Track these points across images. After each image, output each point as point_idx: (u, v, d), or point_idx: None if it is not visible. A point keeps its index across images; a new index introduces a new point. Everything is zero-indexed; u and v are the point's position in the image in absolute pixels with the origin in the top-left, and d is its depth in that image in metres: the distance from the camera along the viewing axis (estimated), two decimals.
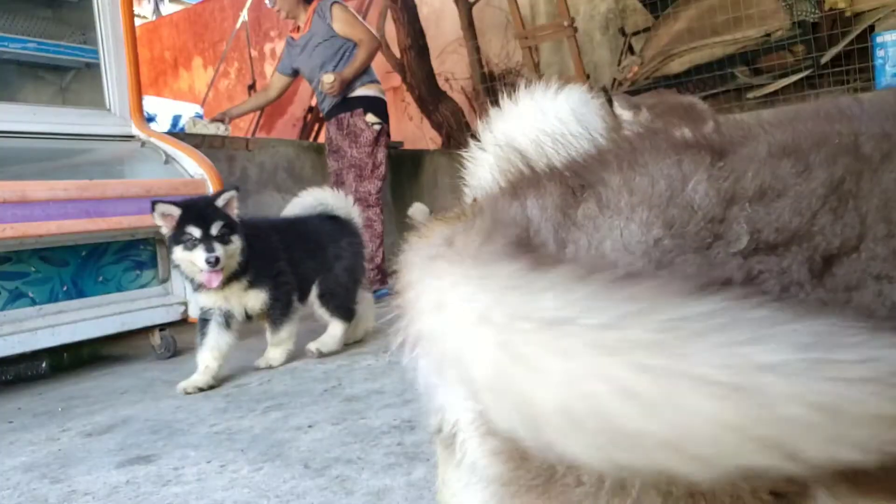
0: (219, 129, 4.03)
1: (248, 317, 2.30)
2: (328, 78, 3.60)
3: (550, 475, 0.48)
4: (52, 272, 2.48)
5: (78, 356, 2.72)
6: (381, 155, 3.86)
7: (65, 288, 2.51)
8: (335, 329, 2.47)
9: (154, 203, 2.11)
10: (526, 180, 0.55)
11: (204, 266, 2.06)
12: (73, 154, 2.90)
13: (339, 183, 3.96)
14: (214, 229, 2.10)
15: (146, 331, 2.73)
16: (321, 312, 2.50)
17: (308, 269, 2.46)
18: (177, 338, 2.77)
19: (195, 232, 2.08)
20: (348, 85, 3.75)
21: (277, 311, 2.32)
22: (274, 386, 2.08)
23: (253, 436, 1.59)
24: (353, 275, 2.62)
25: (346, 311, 2.52)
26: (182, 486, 1.33)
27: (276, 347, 2.36)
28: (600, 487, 0.46)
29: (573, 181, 0.53)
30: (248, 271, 2.22)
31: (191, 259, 2.10)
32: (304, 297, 2.48)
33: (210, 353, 2.16)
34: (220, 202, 2.18)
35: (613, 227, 0.50)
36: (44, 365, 2.54)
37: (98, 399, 2.14)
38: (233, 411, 1.83)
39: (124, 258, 2.70)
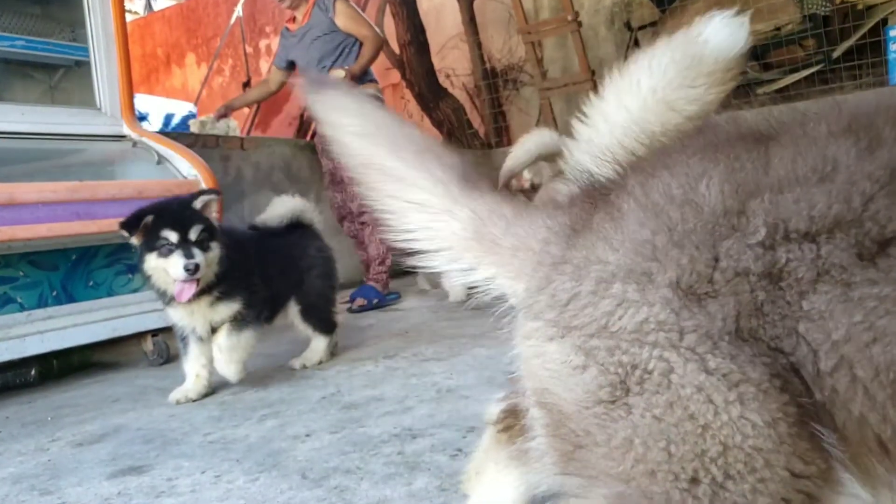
0: (229, 127, 3.99)
1: (213, 330, 2.11)
2: (340, 74, 3.59)
3: (577, 443, 0.56)
4: (42, 276, 2.49)
5: (68, 363, 2.72)
6: None
7: (54, 293, 2.51)
8: (318, 343, 2.44)
9: (127, 227, 1.94)
10: (565, 203, 0.67)
11: (181, 275, 1.89)
12: (63, 155, 2.91)
13: (334, 182, 3.96)
14: (193, 234, 1.94)
15: (138, 337, 2.73)
16: (303, 328, 2.44)
17: (282, 286, 2.33)
18: (170, 344, 2.77)
19: (171, 236, 1.91)
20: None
21: (242, 318, 2.09)
22: (270, 393, 2.07)
23: (249, 445, 1.59)
24: (330, 283, 2.56)
25: (328, 324, 2.48)
26: (176, 497, 1.33)
27: (226, 352, 2.06)
28: (611, 446, 0.54)
29: (598, 194, 0.62)
30: (221, 284, 2.04)
31: (165, 267, 1.93)
32: (273, 316, 2.35)
33: (197, 362, 2.10)
34: (198, 204, 2.02)
35: (608, 230, 0.57)
36: (33, 372, 2.54)
37: (89, 407, 2.14)
38: (228, 420, 1.83)
39: (115, 262, 2.70)
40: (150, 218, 1.93)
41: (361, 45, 3.81)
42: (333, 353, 2.53)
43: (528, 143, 2.35)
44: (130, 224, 1.95)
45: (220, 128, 4.02)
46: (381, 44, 3.92)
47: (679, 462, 0.52)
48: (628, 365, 0.54)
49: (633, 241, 0.56)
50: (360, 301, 3.64)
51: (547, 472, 0.60)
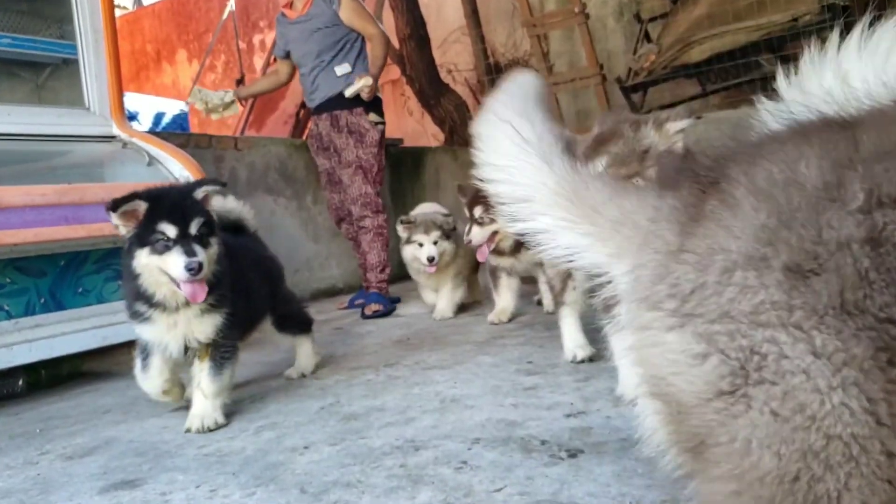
0: (225, 97, 3.93)
1: (185, 351, 1.91)
2: (368, 81, 3.58)
3: (700, 439, 0.60)
4: (29, 283, 2.50)
5: (57, 373, 2.73)
6: (383, 156, 3.88)
7: (42, 300, 2.53)
8: (306, 346, 2.42)
9: (115, 203, 1.74)
10: (670, 181, 0.70)
11: (182, 275, 1.71)
12: (51, 156, 2.93)
13: (331, 183, 3.95)
14: (194, 227, 1.75)
15: (129, 345, 2.74)
16: (282, 338, 2.38)
17: (260, 298, 2.21)
18: None
19: (169, 230, 1.72)
20: (344, 81, 3.74)
21: (223, 349, 1.92)
22: (266, 404, 2.09)
23: (245, 458, 1.60)
24: (284, 280, 2.48)
25: (307, 322, 2.44)
26: None
27: (212, 398, 1.89)
28: (732, 448, 0.58)
29: (705, 178, 0.66)
30: (213, 290, 1.83)
31: (161, 265, 1.74)
32: (249, 332, 2.23)
33: (160, 377, 1.92)
34: (199, 194, 1.85)
35: (727, 218, 0.63)
36: (20, 383, 2.55)
37: (79, 419, 2.15)
38: (223, 431, 1.84)
39: (105, 267, 2.72)
40: (144, 206, 1.74)
41: (363, 41, 3.80)
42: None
43: None
44: (118, 202, 1.74)
45: (216, 96, 3.95)
46: (389, 43, 3.90)
47: (786, 464, 0.56)
48: (747, 349, 0.57)
49: (752, 227, 0.60)
50: (375, 307, 3.63)
51: (672, 466, 0.65)
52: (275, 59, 4.21)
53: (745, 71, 5.81)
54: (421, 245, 3.21)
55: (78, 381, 2.76)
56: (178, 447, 1.74)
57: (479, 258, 3.04)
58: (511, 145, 0.72)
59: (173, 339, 1.85)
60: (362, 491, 1.31)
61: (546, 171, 0.70)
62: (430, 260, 3.16)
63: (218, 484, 1.45)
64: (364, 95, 3.64)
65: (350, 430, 1.70)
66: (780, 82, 0.90)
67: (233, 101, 3.96)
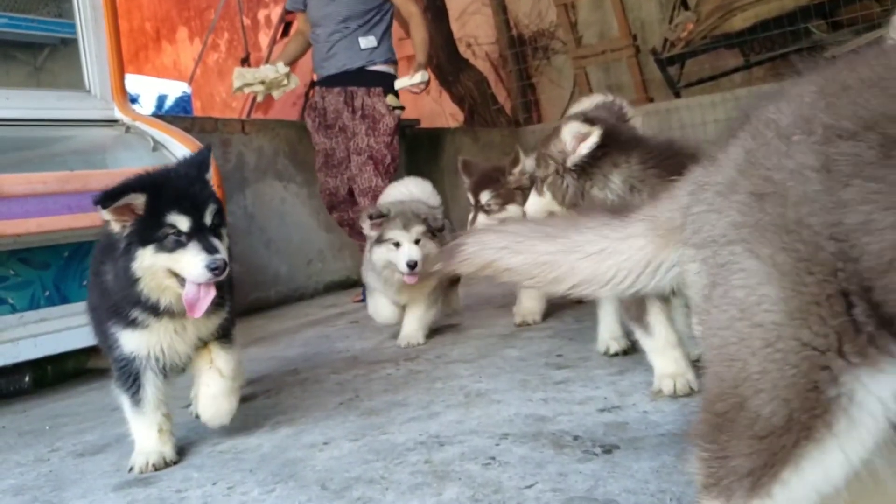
0: (278, 70, 3.79)
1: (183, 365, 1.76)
2: (425, 76, 3.59)
3: (704, 319, 0.83)
4: (33, 275, 2.59)
5: (62, 369, 2.82)
6: (398, 146, 3.81)
7: (47, 293, 2.61)
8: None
9: (106, 197, 1.52)
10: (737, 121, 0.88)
11: (203, 276, 1.53)
12: (51, 142, 3.01)
13: (328, 165, 3.83)
14: (209, 217, 1.57)
15: None
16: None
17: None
18: None
19: (182, 223, 1.53)
20: (367, 56, 3.70)
21: (227, 341, 1.82)
22: (282, 399, 2.14)
23: (262, 454, 1.65)
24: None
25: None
26: None
27: (230, 381, 1.77)
28: (706, 327, 0.83)
29: (736, 126, 0.84)
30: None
31: (172, 266, 1.55)
32: None
33: (158, 411, 1.68)
34: (209, 175, 1.67)
35: (721, 154, 0.82)
36: (27, 379, 2.64)
37: (87, 416, 2.23)
38: (238, 428, 1.89)
39: None
40: (142, 198, 1.54)
41: (391, 16, 3.76)
42: None
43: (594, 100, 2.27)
44: (105, 198, 1.52)
45: (267, 69, 3.82)
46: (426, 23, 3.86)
47: (726, 347, 0.77)
48: (717, 265, 0.77)
49: (732, 158, 0.79)
50: None
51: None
52: (283, 31, 4.19)
53: (792, 40, 5.71)
54: (398, 245, 2.50)
55: (83, 378, 2.84)
56: (191, 444, 1.80)
57: None
58: (603, 259, 1.02)
59: (183, 344, 1.71)
60: (386, 487, 1.35)
61: (632, 242, 1.01)
62: (412, 266, 2.45)
63: (235, 481, 1.50)
64: (415, 91, 3.63)
65: (371, 426, 1.74)
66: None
67: (289, 71, 3.87)
